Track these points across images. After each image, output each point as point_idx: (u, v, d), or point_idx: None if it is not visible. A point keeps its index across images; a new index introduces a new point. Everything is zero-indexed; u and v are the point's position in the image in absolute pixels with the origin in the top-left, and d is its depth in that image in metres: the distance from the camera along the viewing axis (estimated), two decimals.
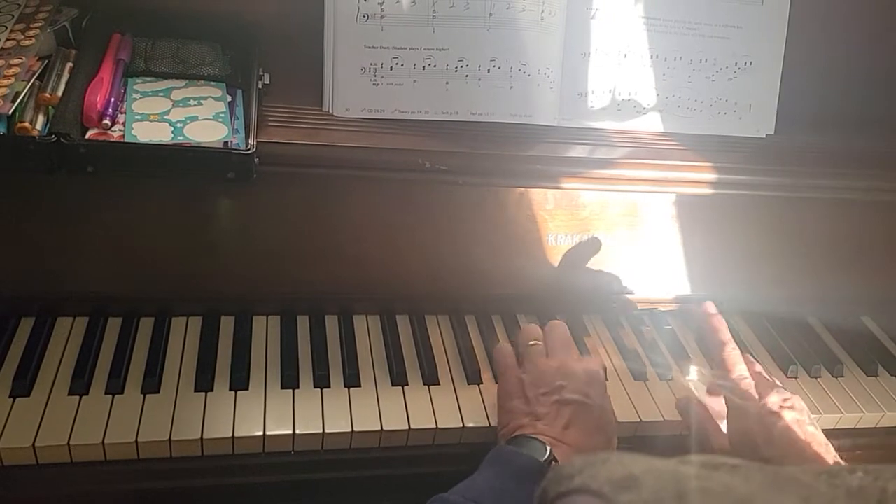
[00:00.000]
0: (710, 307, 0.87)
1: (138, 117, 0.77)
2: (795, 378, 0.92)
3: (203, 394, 0.76)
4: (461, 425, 0.78)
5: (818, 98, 1.01)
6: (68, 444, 0.69)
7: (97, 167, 0.72)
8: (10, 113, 0.70)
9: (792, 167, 0.94)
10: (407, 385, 0.82)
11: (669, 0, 0.93)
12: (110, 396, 0.74)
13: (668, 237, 0.93)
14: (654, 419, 0.83)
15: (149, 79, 0.83)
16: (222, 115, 0.79)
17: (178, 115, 0.78)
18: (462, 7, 0.86)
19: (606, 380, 0.85)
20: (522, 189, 0.87)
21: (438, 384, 0.83)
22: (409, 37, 0.86)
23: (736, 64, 0.96)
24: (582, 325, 0.94)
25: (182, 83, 0.84)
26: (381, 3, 0.85)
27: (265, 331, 0.85)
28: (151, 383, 0.76)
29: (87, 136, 0.73)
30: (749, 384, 0.78)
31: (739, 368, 0.80)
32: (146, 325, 0.83)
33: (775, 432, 0.72)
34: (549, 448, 0.68)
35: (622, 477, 0.35)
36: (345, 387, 0.80)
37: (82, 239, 0.79)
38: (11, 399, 0.73)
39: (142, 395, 0.75)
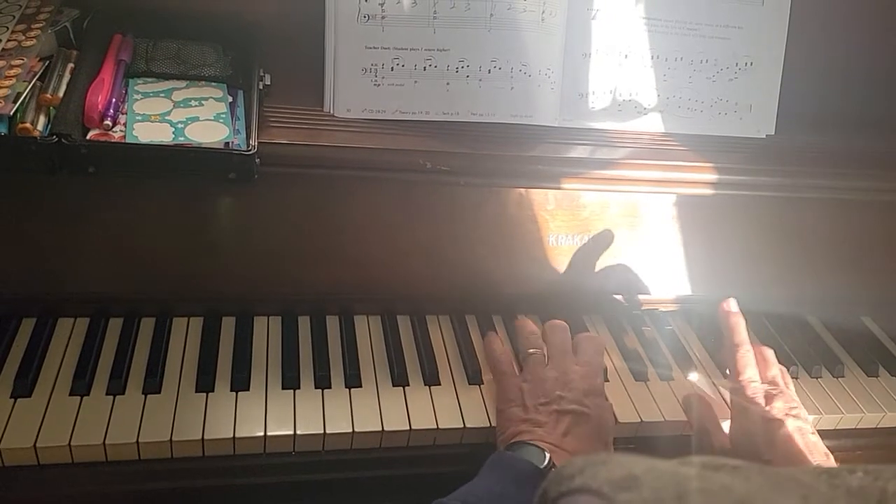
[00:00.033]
0: (731, 304, 0.86)
1: (139, 118, 0.77)
2: (796, 378, 0.92)
3: (204, 394, 0.76)
4: (462, 426, 0.78)
5: (818, 98, 1.01)
6: (69, 444, 0.69)
7: (98, 168, 0.72)
8: (11, 114, 0.70)
9: (792, 167, 0.94)
10: (408, 385, 0.82)
11: (670, 1, 0.93)
12: (111, 397, 0.75)
13: (669, 237, 0.93)
14: (655, 419, 0.83)
15: (150, 79, 0.84)
16: (223, 115, 0.79)
17: (179, 115, 0.78)
18: (463, 8, 0.86)
19: (607, 380, 0.86)
20: (523, 189, 0.87)
21: (439, 384, 0.83)
22: (409, 37, 0.86)
23: (736, 64, 0.96)
24: (583, 326, 0.94)
25: (183, 84, 0.84)
26: (381, 4, 0.85)
27: (266, 331, 0.85)
28: (152, 384, 0.76)
29: (88, 137, 0.73)
30: (757, 388, 0.78)
31: (750, 371, 0.80)
32: (147, 326, 0.83)
33: (777, 438, 0.73)
34: (548, 454, 0.68)
35: (622, 477, 0.35)
36: (346, 387, 0.80)
37: (83, 239, 0.79)
38: (13, 399, 0.73)
39: (143, 396, 0.75)
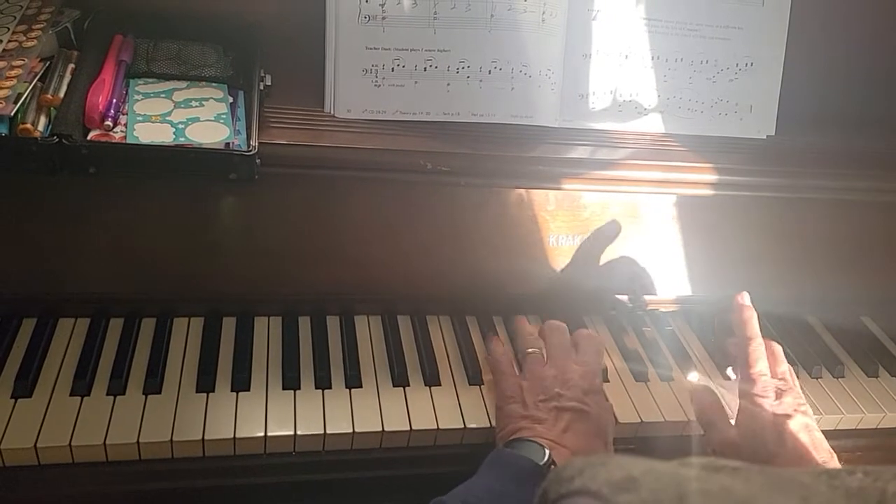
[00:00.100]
0: (744, 298, 0.85)
1: (140, 118, 0.77)
2: (796, 378, 0.92)
3: (205, 395, 0.77)
4: (462, 426, 0.78)
5: (818, 98, 1.02)
6: (70, 444, 0.69)
7: (99, 168, 0.72)
8: (12, 114, 0.70)
9: (792, 168, 0.94)
10: (408, 386, 0.82)
11: (670, 1, 0.93)
12: (112, 397, 0.75)
13: (669, 238, 0.93)
14: (656, 420, 0.83)
15: (150, 80, 0.84)
16: (224, 116, 0.80)
17: (179, 116, 0.78)
18: (463, 8, 0.86)
19: (607, 381, 0.86)
20: (524, 190, 0.87)
21: (440, 385, 0.83)
22: (410, 38, 0.86)
23: (737, 65, 0.96)
24: (583, 326, 0.94)
25: (184, 84, 0.84)
26: (382, 5, 0.85)
27: (267, 331, 0.85)
28: (153, 384, 0.76)
29: (88, 138, 0.73)
30: (767, 382, 0.77)
31: (761, 365, 0.79)
32: (148, 326, 0.83)
33: (786, 432, 0.73)
34: (547, 451, 0.68)
35: (621, 478, 0.35)
36: (346, 388, 0.80)
37: (84, 240, 0.79)
38: (13, 400, 0.73)
39: (143, 396, 0.75)
